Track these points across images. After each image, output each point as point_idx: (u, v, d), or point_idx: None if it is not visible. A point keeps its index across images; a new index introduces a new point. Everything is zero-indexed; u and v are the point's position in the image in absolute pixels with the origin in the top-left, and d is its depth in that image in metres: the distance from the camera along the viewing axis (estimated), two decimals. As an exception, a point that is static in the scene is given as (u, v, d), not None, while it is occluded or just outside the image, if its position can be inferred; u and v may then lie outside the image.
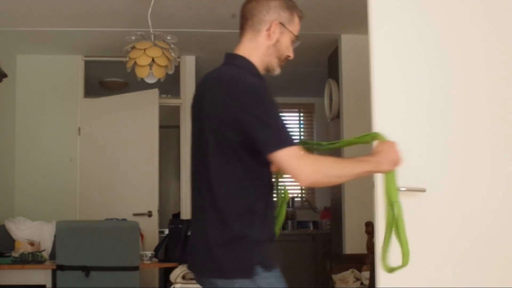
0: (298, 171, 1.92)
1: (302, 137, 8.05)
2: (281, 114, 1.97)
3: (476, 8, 2.44)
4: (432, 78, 2.39)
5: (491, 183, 2.38)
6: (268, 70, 2.16)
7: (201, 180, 2.05)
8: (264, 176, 2.04)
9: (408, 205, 2.29)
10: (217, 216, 2.00)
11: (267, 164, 2.01)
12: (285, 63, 2.18)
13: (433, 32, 2.42)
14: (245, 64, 2.10)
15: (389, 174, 2.03)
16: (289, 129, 1.97)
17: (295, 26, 2.15)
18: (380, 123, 2.33)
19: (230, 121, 1.95)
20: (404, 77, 2.38)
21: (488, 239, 2.35)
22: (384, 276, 2.28)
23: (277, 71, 2.17)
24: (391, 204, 2.04)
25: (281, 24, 2.11)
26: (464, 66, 2.42)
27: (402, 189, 2.27)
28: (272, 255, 2.02)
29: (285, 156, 1.91)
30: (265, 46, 2.12)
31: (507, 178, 2.40)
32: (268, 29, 2.10)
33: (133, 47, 4.30)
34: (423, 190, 2.30)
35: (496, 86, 2.43)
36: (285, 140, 1.93)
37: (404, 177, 2.28)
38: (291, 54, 2.18)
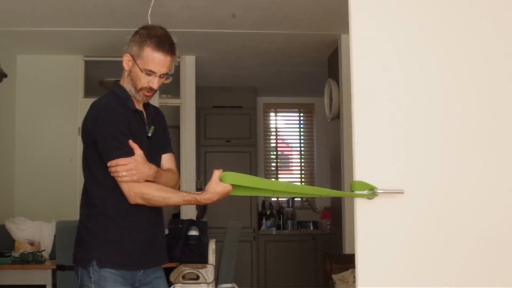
0: (124, 189, 2.28)
1: (302, 140, 8.05)
2: (125, 130, 2.29)
3: (462, 10, 2.44)
4: (412, 79, 2.38)
5: (470, 184, 2.36)
6: (134, 95, 2.40)
7: None
8: (113, 183, 2.31)
9: (386, 207, 2.29)
10: (83, 212, 2.40)
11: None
12: (151, 93, 2.38)
13: (416, 33, 2.41)
14: (116, 88, 2.42)
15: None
16: (125, 144, 2.28)
17: (143, 60, 2.32)
18: (359, 124, 2.32)
19: (87, 134, 2.34)
20: (384, 78, 2.37)
21: (469, 240, 2.34)
22: (363, 276, 2.28)
23: (138, 97, 2.39)
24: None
25: (131, 56, 2.35)
26: (446, 66, 2.40)
27: (379, 191, 2.26)
28: (122, 256, 2.35)
29: (112, 170, 2.26)
30: (126, 74, 2.41)
31: (487, 179, 2.37)
32: (124, 60, 2.39)
33: (133, 47, 4.30)
34: (401, 192, 2.29)
35: (478, 87, 2.41)
36: (113, 153, 2.26)
37: (381, 179, 2.29)
38: (153, 86, 2.37)
